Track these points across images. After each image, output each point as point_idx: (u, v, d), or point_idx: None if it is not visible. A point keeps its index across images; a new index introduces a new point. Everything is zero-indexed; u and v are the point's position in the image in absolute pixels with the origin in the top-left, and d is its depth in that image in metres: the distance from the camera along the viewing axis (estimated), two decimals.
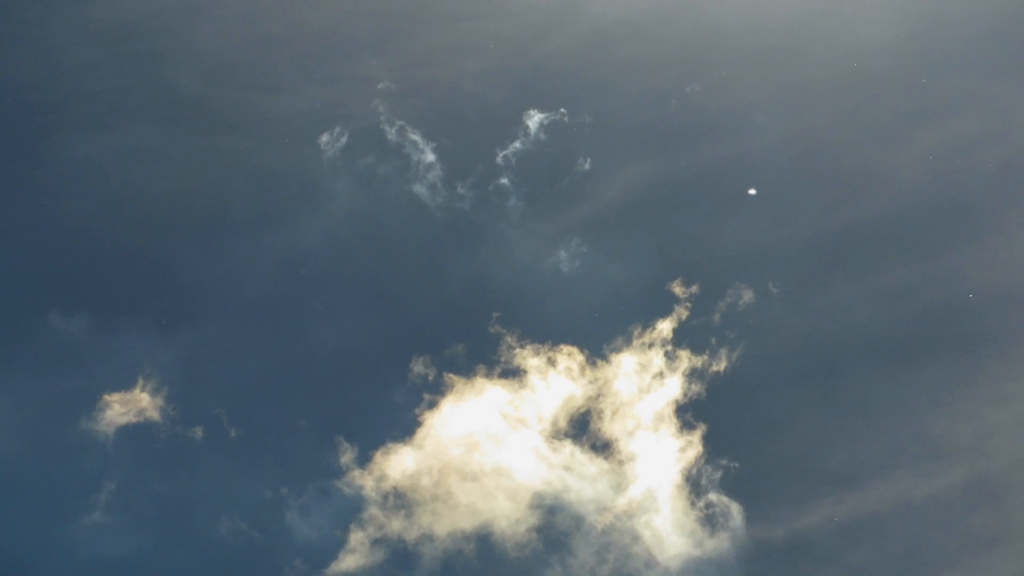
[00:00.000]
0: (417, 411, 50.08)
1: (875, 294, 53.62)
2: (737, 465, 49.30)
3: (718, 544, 47.48)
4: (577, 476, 48.43)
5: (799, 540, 48.71)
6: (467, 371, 50.58)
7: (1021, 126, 56.54)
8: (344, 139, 55.43)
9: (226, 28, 58.98)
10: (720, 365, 50.80)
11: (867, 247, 54.64)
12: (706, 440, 49.47)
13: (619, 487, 48.50)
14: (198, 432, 50.18)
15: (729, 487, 48.98)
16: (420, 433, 49.23)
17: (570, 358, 49.96)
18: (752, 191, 54.97)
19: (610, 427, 49.15)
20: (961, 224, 54.86)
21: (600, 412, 49.52)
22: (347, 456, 49.26)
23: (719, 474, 49.01)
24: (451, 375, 50.50)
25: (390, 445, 49.16)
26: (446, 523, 48.04)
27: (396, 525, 48.21)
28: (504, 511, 48.12)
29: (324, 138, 55.56)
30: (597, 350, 50.78)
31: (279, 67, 57.99)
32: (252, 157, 56.19)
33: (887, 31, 58.50)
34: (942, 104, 57.35)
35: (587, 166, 55.62)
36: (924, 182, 55.75)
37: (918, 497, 49.41)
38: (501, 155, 55.11)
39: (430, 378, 50.61)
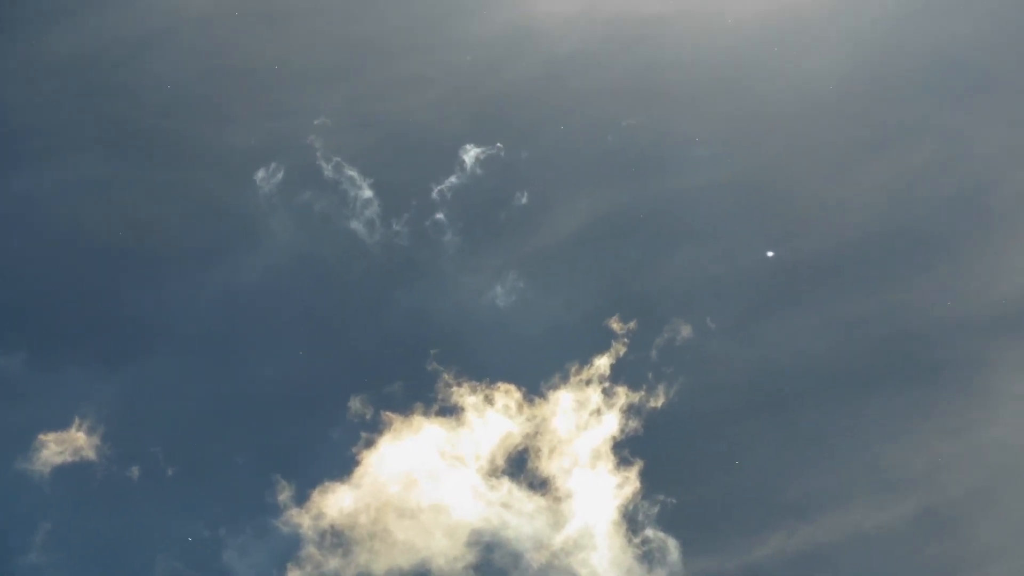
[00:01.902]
0: (355, 449, 52.45)
1: (827, 325, 55.93)
2: (674, 500, 51.85)
3: None
4: (515, 513, 50.92)
5: (752, 572, 51.52)
6: (405, 409, 52.98)
7: (975, 155, 58.92)
8: (280, 175, 57.79)
9: (180, 60, 61.39)
10: (657, 401, 53.26)
11: (819, 278, 56.84)
12: (643, 476, 52.01)
13: (557, 524, 51.06)
14: (135, 471, 52.52)
15: (666, 523, 51.60)
16: (358, 471, 51.61)
17: (507, 396, 52.34)
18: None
19: (547, 464, 51.58)
20: (914, 254, 57.17)
21: (538, 450, 52.06)
22: (285, 494, 51.69)
23: (656, 509, 51.57)
24: (389, 413, 52.92)
25: (328, 483, 51.64)
26: (384, 561, 50.81)
27: (334, 563, 50.93)
28: (442, 548, 50.91)
29: (260, 174, 57.87)
30: (534, 387, 53.28)
31: (230, 100, 60.35)
32: (195, 191, 58.53)
33: (839, 60, 60.81)
34: (895, 133, 59.62)
35: (524, 200, 57.97)
36: (877, 212, 58.02)
37: (871, 528, 52.06)
38: (436, 190, 57.49)
39: (368, 416, 52.92)
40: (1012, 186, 57.61)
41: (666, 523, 51.83)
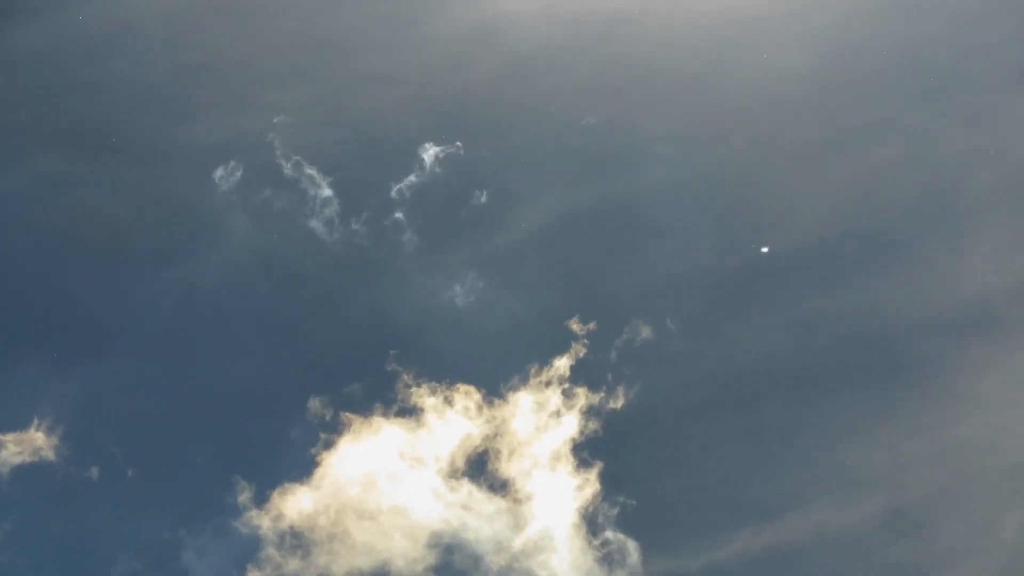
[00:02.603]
0: (314, 450, 53.28)
1: (792, 324, 56.71)
2: (634, 502, 52.83)
3: None
4: (475, 515, 51.87)
5: (716, 572, 52.46)
6: (364, 410, 53.79)
7: (939, 154, 59.68)
8: (239, 173, 58.50)
9: (143, 57, 61.96)
10: (617, 402, 54.21)
11: (783, 277, 57.61)
12: (603, 478, 52.94)
13: (517, 526, 51.97)
14: (94, 471, 53.29)
15: (626, 524, 52.50)
16: (317, 473, 52.51)
17: (467, 397, 53.22)
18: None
19: (507, 466, 52.59)
20: (878, 253, 57.96)
21: (497, 451, 53.04)
22: (244, 495, 52.54)
23: (616, 511, 52.52)
24: (348, 414, 53.71)
25: (287, 485, 52.50)
26: (343, 562, 51.66)
27: (293, 565, 51.81)
28: (402, 550, 51.76)
29: (219, 172, 58.60)
30: (494, 389, 54.11)
31: (192, 97, 61.14)
32: (154, 189, 59.31)
33: (803, 59, 61.46)
34: (859, 132, 60.42)
35: (483, 199, 58.74)
36: (841, 211, 58.82)
37: (836, 527, 52.91)
38: (395, 189, 58.36)
39: (327, 417, 53.70)
40: (975, 185, 58.57)
41: (626, 525, 52.58)
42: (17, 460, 52.87)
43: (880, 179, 59.56)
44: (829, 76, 61.68)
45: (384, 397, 54.35)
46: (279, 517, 51.90)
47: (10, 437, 53.16)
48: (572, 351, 54.99)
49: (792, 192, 59.26)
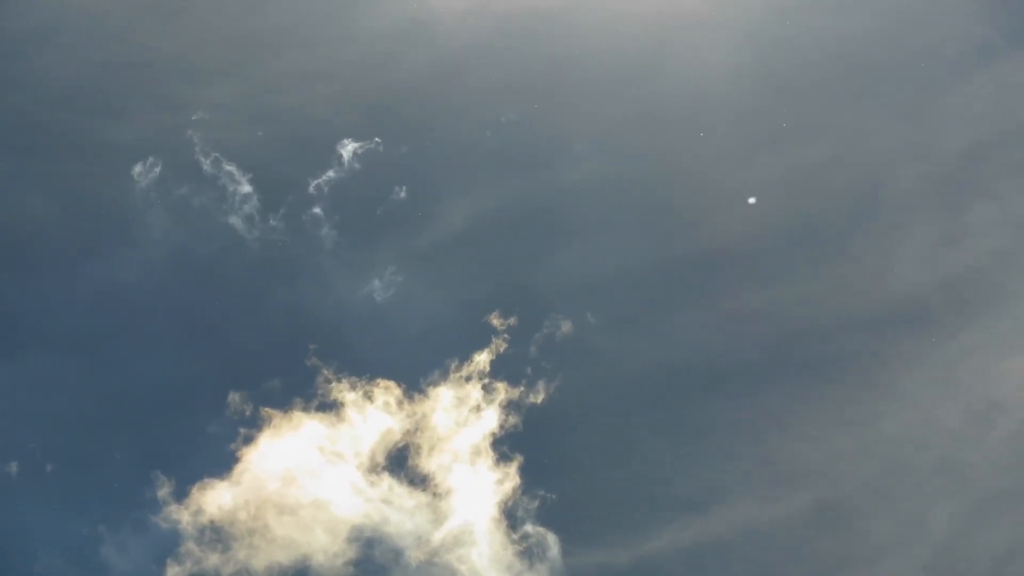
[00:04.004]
0: (234, 446, 54.60)
1: (721, 319, 58.31)
2: (554, 496, 54.35)
3: None
4: (395, 509, 53.49)
5: (644, 566, 53.64)
6: (284, 405, 55.21)
7: (869, 152, 61.43)
8: (158, 169, 59.81)
9: (68, 54, 63.13)
10: (538, 397, 55.81)
11: (712, 273, 59.25)
12: (523, 472, 54.59)
13: (437, 521, 53.57)
14: (13, 467, 54.52)
15: (546, 518, 54.09)
16: (238, 468, 53.97)
17: (387, 392, 54.88)
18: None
19: (428, 461, 54.25)
20: (808, 249, 59.51)
21: (418, 446, 54.65)
22: (164, 491, 53.88)
23: (535, 504, 54.15)
24: (268, 409, 55.09)
25: (207, 480, 53.87)
26: (264, 557, 52.86)
27: (213, 560, 52.94)
28: (322, 544, 52.98)
29: (137, 168, 59.95)
30: (414, 383, 55.62)
31: (115, 94, 62.54)
32: (71, 185, 60.55)
33: (733, 56, 63.23)
34: (789, 129, 62.00)
35: (402, 195, 60.28)
36: (770, 208, 60.38)
37: (765, 522, 54.13)
38: (313, 184, 59.74)
39: (247, 413, 55.08)
40: (905, 182, 60.47)
41: (546, 518, 54.14)
42: None
43: (809, 175, 61.18)
44: (759, 73, 63.47)
45: (304, 392, 55.60)
46: (199, 512, 53.14)
47: None
48: (492, 346, 56.49)
49: (722, 189, 60.92)
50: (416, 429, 54.44)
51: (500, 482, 53.41)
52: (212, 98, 61.89)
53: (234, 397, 55.33)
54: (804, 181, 60.70)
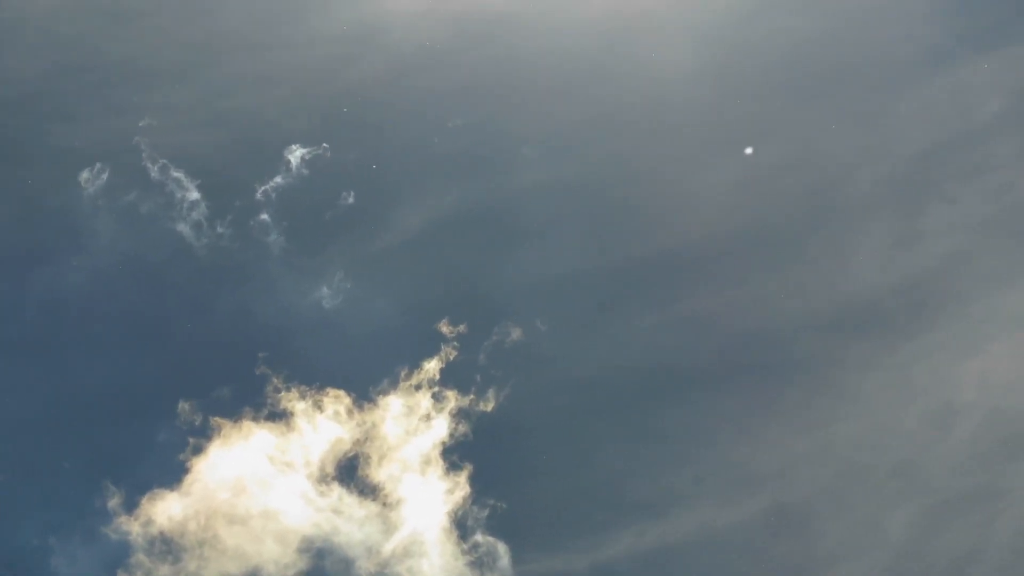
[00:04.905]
0: (184, 455, 55.02)
1: (676, 323, 58.67)
2: (504, 505, 54.96)
3: None
4: (346, 519, 54.11)
5: (600, 573, 54.12)
6: (234, 414, 55.59)
7: (824, 154, 61.81)
8: (105, 176, 59.92)
9: (21, 57, 63.25)
10: (488, 405, 56.19)
11: (665, 276, 59.53)
12: (473, 481, 55.15)
13: (387, 531, 54.20)
14: None
15: (496, 527, 54.72)
16: (187, 478, 54.48)
17: (337, 401, 55.39)
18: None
19: (378, 471, 54.70)
20: (763, 252, 60.00)
21: (368, 456, 55.13)
22: (114, 501, 54.25)
23: (485, 514, 54.77)
24: (218, 419, 55.47)
25: (157, 490, 54.25)
26: (214, 568, 53.26)
27: (163, 571, 53.30)
28: (273, 555, 53.44)
29: (85, 175, 60.02)
30: (364, 392, 56.03)
31: (65, 98, 62.59)
32: (18, 191, 60.68)
33: (687, 59, 63.50)
34: (743, 131, 62.25)
35: (350, 200, 60.41)
36: (726, 210, 60.88)
37: (721, 526, 54.74)
38: (261, 190, 59.93)
39: (197, 422, 55.50)
40: (860, 184, 61.36)
41: (495, 527, 54.91)
42: None
43: (764, 178, 61.84)
44: (713, 76, 64.04)
45: (254, 401, 56.12)
46: (149, 523, 53.74)
47: None
48: (442, 353, 57.04)
49: (674, 191, 61.59)
50: (366, 439, 54.63)
51: (450, 491, 53.68)
52: (161, 102, 62.29)
53: (184, 406, 55.75)
54: (759, 184, 61.35)
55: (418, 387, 56.34)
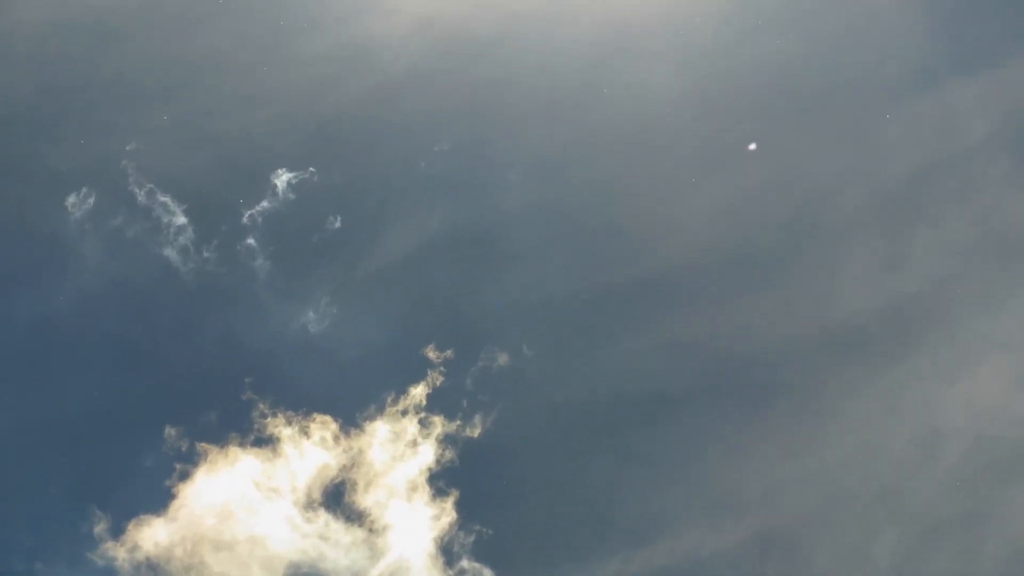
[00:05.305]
0: (170, 481, 55.29)
1: (663, 347, 58.70)
2: (491, 531, 55.28)
3: None
4: (332, 545, 54.43)
5: None
6: (220, 439, 55.78)
7: (810, 176, 61.99)
8: (92, 200, 60.05)
9: (13, 77, 63.23)
10: (474, 430, 56.40)
11: (651, 300, 59.70)
12: (459, 506, 55.45)
13: (374, 557, 54.47)
14: None
15: (482, 553, 55.00)
16: (174, 504, 54.76)
17: (324, 427, 55.68)
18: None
19: (364, 497, 54.98)
20: (749, 275, 60.06)
21: (354, 482, 55.31)
22: (100, 527, 54.54)
23: (471, 539, 55.07)
24: (204, 444, 55.73)
25: (143, 516, 54.51)
26: None
27: None
28: None
29: (71, 199, 60.16)
30: (351, 418, 56.21)
31: (54, 120, 62.51)
32: (6, 213, 60.85)
33: (674, 81, 63.53)
34: (730, 152, 62.40)
35: (337, 224, 60.59)
36: (710, 232, 60.96)
37: (707, 552, 54.81)
38: (247, 215, 60.03)
39: (183, 448, 55.74)
40: (847, 206, 61.57)
41: (482, 553, 55.22)
42: None
43: (752, 199, 62.05)
44: (699, 97, 64.11)
45: (240, 427, 56.28)
46: (135, 548, 53.94)
47: None
48: (429, 379, 57.24)
49: (662, 214, 61.77)
50: (352, 464, 54.61)
51: (436, 517, 53.75)
52: (148, 124, 62.40)
53: (170, 431, 55.95)
54: (745, 206, 61.59)
55: (405, 413, 56.52)
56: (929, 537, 55.00)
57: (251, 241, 60.48)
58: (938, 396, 57.51)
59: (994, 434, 55.72)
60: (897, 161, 62.02)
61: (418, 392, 57.21)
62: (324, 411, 56.45)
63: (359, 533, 54.53)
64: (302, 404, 56.52)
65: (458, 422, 56.87)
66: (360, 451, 55.86)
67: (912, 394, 57.46)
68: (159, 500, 55.08)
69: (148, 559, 53.96)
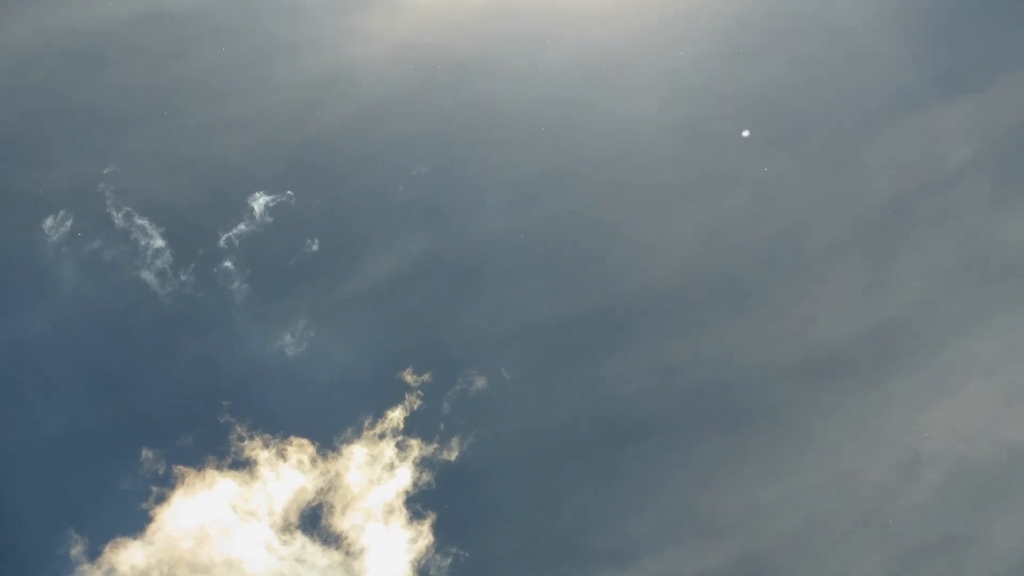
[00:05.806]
0: (146, 504, 55.50)
1: (641, 371, 59.17)
2: (467, 554, 55.57)
3: None
4: (308, 568, 54.78)
5: None
6: (197, 462, 56.09)
7: (789, 200, 62.48)
8: (69, 223, 60.20)
9: None
10: (451, 454, 56.64)
11: (630, 324, 60.15)
12: (436, 529, 55.86)
13: None
14: None
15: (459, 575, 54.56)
16: (150, 527, 55.01)
17: (301, 450, 55.96)
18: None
19: (341, 520, 54.95)
20: (729, 299, 60.56)
21: (331, 505, 55.58)
22: (77, 549, 54.80)
23: (448, 562, 55.45)
24: (181, 467, 55.95)
25: (120, 539, 54.66)
26: None
27: None
28: None
29: (48, 222, 60.36)
30: (328, 441, 56.60)
31: (30, 144, 62.85)
32: None
33: (653, 107, 63.94)
34: (709, 179, 62.82)
35: (315, 248, 60.83)
36: (693, 257, 61.44)
37: (688, 575, 54.91)
38: (224, 237, 60.03)
39: (160, 471, 56.10)
40: (828, 231, 62.10)
41: None
42: None
43: (730, 225, 62.51)
44: (679, 123, 64.62)
45: (217, 449, 56.63)
46: (111, 571, 54.43)
47: None
48: (406, 402, 57.44)
49: (641, 238, 62.27)
50: (329, 487, 54.56)
51: (414, 540, 53.95)
52: (126, 148, 62.77)
53: (147, 454, 56.12)
54: (725, 231, 62.09)
55: (382, 436, 56.79)
56: (910, 560, 55.40)
57: (229, 264, 60.82)
58: (919, 419, 57.83)
59: (975, 456, 55.63)
60: (878, 185, 62.30)
61: (395, 415, 57.58)
62: (301, 434, 56.82)
63: (336, 556, 54.61)
64: (279, 427, 56.88)
65: (435, 445, 57.23)
66: (337, 474, 55.99)
67: (893, 417, 57.71)
68: (136, 523, 55.32)
69: None
